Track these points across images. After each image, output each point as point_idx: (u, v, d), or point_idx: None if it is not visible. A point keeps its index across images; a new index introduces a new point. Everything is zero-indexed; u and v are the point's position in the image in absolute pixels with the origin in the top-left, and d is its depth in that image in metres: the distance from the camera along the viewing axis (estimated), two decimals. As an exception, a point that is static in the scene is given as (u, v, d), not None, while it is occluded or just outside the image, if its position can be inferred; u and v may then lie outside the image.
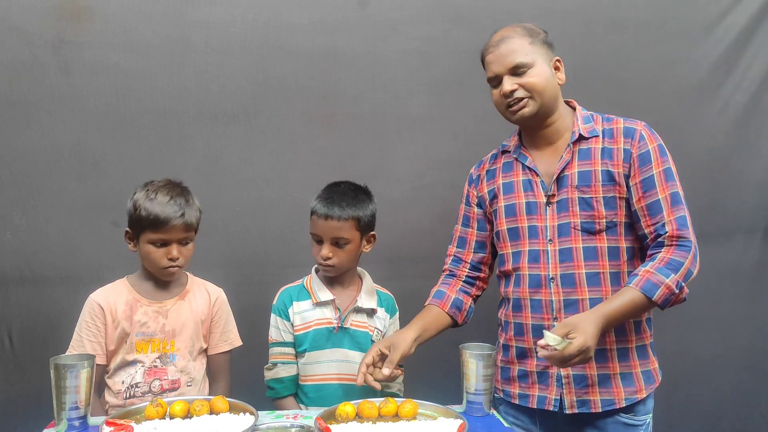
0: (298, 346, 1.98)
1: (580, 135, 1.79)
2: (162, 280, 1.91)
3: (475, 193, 1.98)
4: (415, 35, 2.51)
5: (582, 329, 1.53)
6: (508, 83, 1.77)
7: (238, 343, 2.04)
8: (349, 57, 2.49)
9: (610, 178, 1.75)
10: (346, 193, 1.96)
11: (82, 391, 1.55)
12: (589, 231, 1.75)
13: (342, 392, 1.91)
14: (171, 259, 1.84)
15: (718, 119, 2.61)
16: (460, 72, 2.41)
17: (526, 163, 1.85)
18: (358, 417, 1.60)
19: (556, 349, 1.49)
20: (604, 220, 1.74)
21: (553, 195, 1.79)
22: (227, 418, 1.58)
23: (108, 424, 1.50)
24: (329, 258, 1.93)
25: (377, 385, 1.72)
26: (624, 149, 1.76)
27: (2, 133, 2.34)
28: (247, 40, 2.44)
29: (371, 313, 2.01)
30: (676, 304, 1.67)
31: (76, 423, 1.56)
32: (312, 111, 2.49)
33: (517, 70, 1.76)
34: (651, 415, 1.81)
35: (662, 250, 1.67)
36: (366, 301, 1.99)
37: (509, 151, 1.92)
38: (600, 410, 1.75)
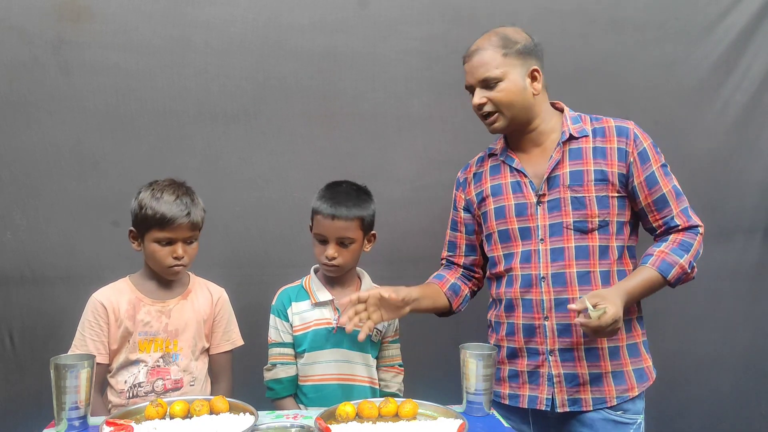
0: (298, 346, 1.98)
1: (570, 135, 1.80)
2: (165, 280, 1.92)
3: (463, 197, 1.99)
4: (415, 35, 2.51)
5: (611, 301, 1.60)
6: (477, 96, 1.81)
7: (240, 342, 2.04)
8: (349, 57, 2.49)
9: (602, 177, 1.77)
10: (349, 193, 1.96)
11: (82, 391, 1.55)
12: (581, 230, 1.77)
13: (341, 392, 1.91)
14: (176, 258, 1.85)
15: (718, 119, 2.61)
16: (460, 72, 2.39)
17: (513, 165, 1.86)
18: (358, 417, 1.60)
19: (590, 317, 1.56)
20: (597, 219, 1.76)
21: (544, 195, 1.81)
22: (227, 418, 1.58)
23: (108, 424, 1.50)
24: (335, 258, 1.93)
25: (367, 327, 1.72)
26: (618, 148, 1.78)
27: (2, 133, 2.34)
28: (247, 40, 2.44)
29: (371, 313, 2.00)
30: (685, 282, 1.78)
31: (76, 423, 1.55)
32: (312, 111, 2.49)
33: (487, 83, 1.79)
34: (642, 416, 1.82)
35: (672, 233, 1.78)
36: (366, 301, 1.99)
37: (496, 154, 1.93)
38: (591, 408, 1.76)
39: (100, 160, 2.39)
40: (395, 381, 2.04)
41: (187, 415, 1.60)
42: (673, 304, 2.54)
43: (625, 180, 1.78)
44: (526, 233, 1.82)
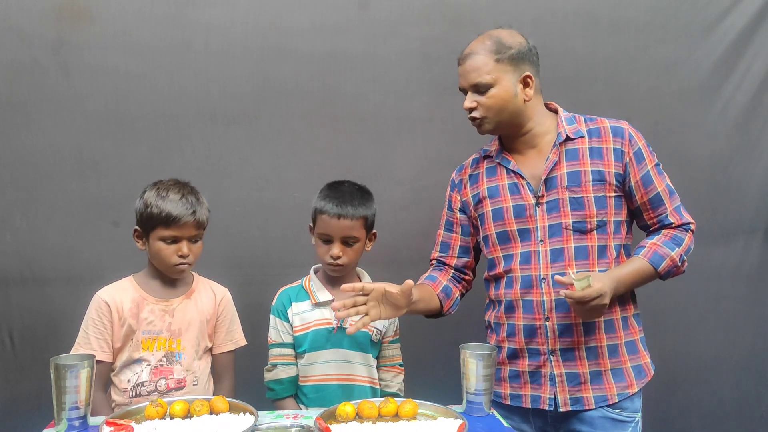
0: (298, 346, 1.98)
1: (567, 136, 1.82)
2: (168, 279, 1.93)
3: (459, 198, 1.99)
4: (416, 36, 2.51)
5: (599, 278, 1.65)
6: (468, 100, 1.82)
7: (243, 342, 2.04)
8: (349, 58, 2.49)
9: (600, 177, 1.79)
10: (353, 193, 1.96)
11: (82, 391, 1.55)
12: (581, 230, 1.78)
13: (342, 392, 1.91)
14: (181, 256, 1.86)
15: (719, 120, 2.61)
16: (461, 73, 2.41)
17: (509, 167, 1.87)
18: (358, 417, 1.60)
19: (574, 287, 1.61)
20: (595, 219, 1.78)
21: (542, 196, 1.81)
22: (227, 418, 1.58)
23: (108, 424, 1.50)
24: (340, 257, 1.93)
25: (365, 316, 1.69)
26: (615, 148, 1.80)
27: (2, 135, 2.34)
28: (248, 41, 2.44)
29: (371, 313, 2.00)
30: (675, 276, 1.82)
31: (76, 423, 1.55)
32: (312, 112, 2.49)
33: (478, 88, 1.80)
34: (640, 414, 1.84)
35: (665, 229, 1.82)
36: (366, 301, 1.99)
37: (491, 156, 1.93)
38: (593, 407, 1.78)
39: (100, 161, 2.39)
40: (396, 381, 2.03)
41: (187, 415, 1.60)
42: (673, 304, 2.55)
43: (622, 179, 1.80)
44: (525, 234, 1.83)
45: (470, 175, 1.98)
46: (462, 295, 2.04)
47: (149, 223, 1.85)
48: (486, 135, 1.91)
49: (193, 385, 1.91)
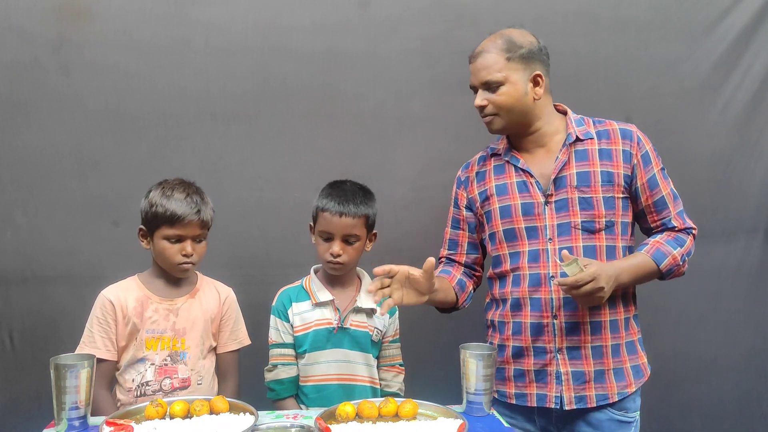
0: (298, 347, 1.98)
1: (577, 137, 1.83)
2: (173, 279, 1.93)
3: (465, 195, 2.00)
4: (416, 35, 2.50)
5: (597, 263, 1.69)
6: (479, 98, 1.84)
7: (247, 342, 2.05)
8: (349, 57, 2.48)
9: (609, 178, 1.81)
10: (355, 192, 1.97)
11: (82, 391, 1.55)
12: (589, 230, 1.80)
13: (342, 392, 1.91)
14: (185, 255, 1.86)
15: (719, 119, 2.60)
16: (462, 72, 2.39)
17: (518, 165, 1.88)
18: (358, 417, 1.60)
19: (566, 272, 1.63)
20: (603, 220, 1.80)
21: (551, 195, 1.83)
22: (227, 418, 1.58)
23: (108, 424, 1.50)
24: (340, 255, 1.92)
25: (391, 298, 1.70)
26: (623, 150, 1.82)
27: (3, 133, 2.34)
28: (248, 40, 2.43)
29: (371, 312, 2.01)
30: (676, 276, 1.84)
31: (76, 423, 1.55)
32: (313, 111, 2.49)
33: (489, 86, 1.82)
34: (639, 412, 1.86)
35: (667, 232, 1.85)
36: (365, 300, 1.99)
37: (499, 154, 1.94)
38: (595, 405, 1.79)
39: (101, 160, 2.39)
40: (396, 381, 2.04)
41: (187, 415, 1.60)
42: (673, 304, 2.54)
43: (629, 181, 1.82)
44: (533, 233, 1.84)
45: (477, 173, 1.98)
46: (474, 289, 2.05)
47: (154, 222, 1.86)
48: (487, 134, 1.92)
49: (198, 384, 1.91)
